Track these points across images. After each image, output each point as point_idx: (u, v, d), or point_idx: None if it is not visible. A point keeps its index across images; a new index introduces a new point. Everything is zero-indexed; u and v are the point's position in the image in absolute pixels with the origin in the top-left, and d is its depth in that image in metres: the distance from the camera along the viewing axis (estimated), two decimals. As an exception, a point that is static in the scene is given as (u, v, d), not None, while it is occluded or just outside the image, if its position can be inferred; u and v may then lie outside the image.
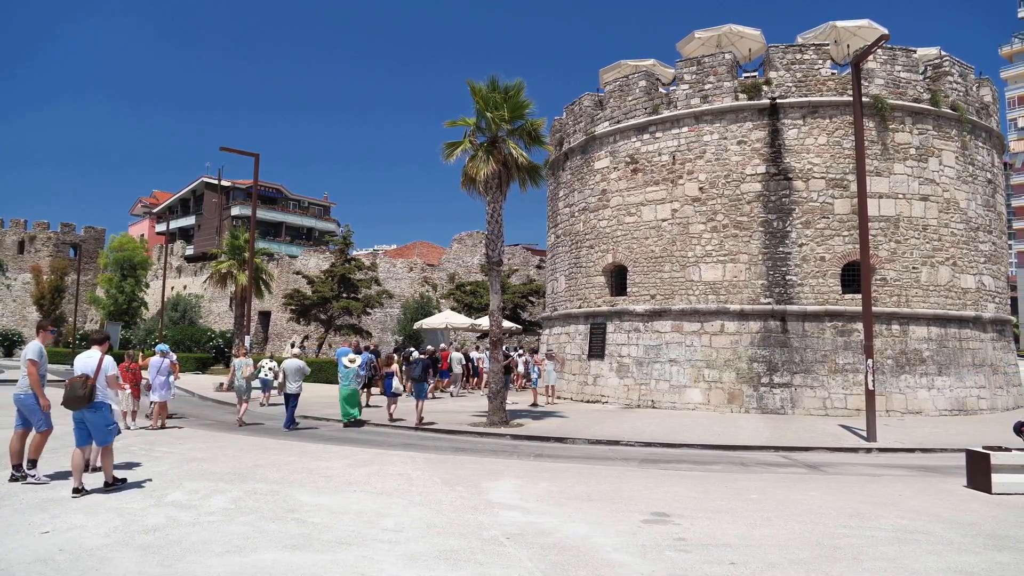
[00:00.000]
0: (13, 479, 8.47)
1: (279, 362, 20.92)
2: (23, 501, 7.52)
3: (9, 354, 58.22)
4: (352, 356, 16.36)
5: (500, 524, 6.92)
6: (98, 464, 8.97)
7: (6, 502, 7.47)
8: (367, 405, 19.07)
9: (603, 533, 6.65)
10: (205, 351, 41.96)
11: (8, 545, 5.94)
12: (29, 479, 8.40)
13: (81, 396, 7.89)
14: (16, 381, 8.68)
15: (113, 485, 8.19)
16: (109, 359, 8.35)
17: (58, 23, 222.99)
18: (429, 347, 24.74)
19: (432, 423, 15.72)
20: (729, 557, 5.92)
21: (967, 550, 6.29)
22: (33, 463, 8.54)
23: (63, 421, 9.28)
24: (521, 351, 28.17)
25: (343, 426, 15.70)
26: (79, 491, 7.77)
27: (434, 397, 21.83)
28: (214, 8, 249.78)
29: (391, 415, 16.53)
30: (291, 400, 15.40)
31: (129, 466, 9.66)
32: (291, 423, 15.23)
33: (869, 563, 5.83)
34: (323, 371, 28.04)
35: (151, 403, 15.02)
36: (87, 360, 8.24)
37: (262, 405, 19.95)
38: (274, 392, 20.75)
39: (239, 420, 15.76)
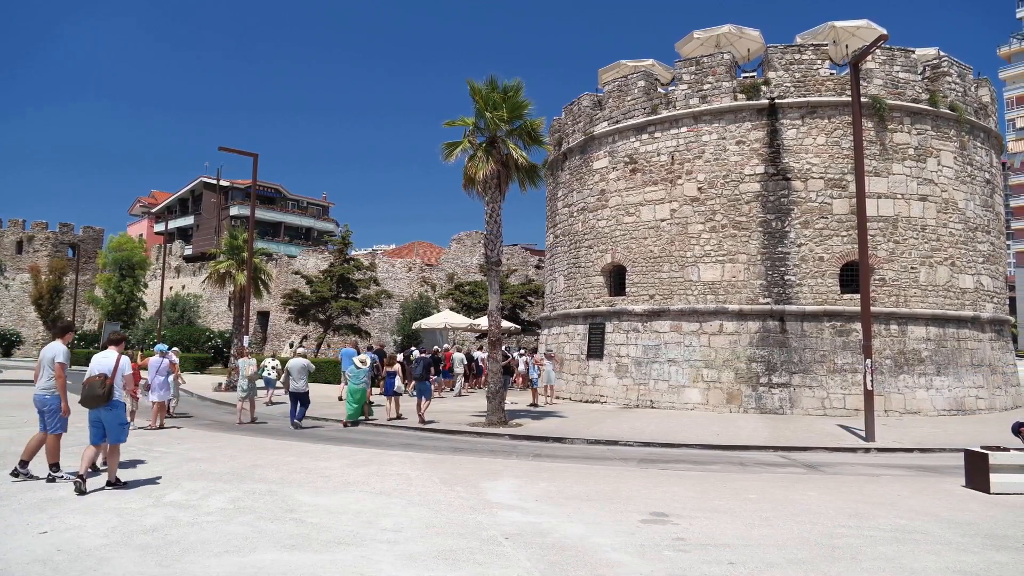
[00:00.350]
0: (15, 474, 8.51)
1: (282, 362, 20.95)
2: (22, 501, 7.51)
3: (8, 354, 58.16)
4: (363, 357, 16.66)
5: (499, 524, 6.92)
6: (99, 464, 8.98)
7: (5, 502, 7.45)
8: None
9: (602, 533, 6.65)
10: (204, 351, 41.99)
11: (7, 545, 5.93)
12: (58, 480, 8.48)
13: (100, 395, 8.00)
14: (15, 381, 8.70)
15: (117, 484, 8.24)
16: (125, 359, 8.45)
17: (58, 23, 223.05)
18: (435, 347, 24.78)
19: (432, 423, 15.74)
20: (728, 557, 5.92)
21: (965, 550, 6.29)
22: (56, 466, 8.64)
23: (69, 420, 9.26)
24: (522, 351, 28.16)
25: (343, 426, 15.73)
26: (81, 480, 7.79)
27: (436, 397, 21.83)
28: (214, 8, 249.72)
29: (394, 415, 16.55)
30: (298, 399, 15.57)
31: (129, 465, 9.67)
32: (299, 420, 15.44)
33: (868, 563, 5.83)
34: (322, 371, 28.07)
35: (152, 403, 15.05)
36: (104, 360, 8.31)
37: (266, 404, 19.94)
38: (276, 391, 20.78)
39: (248, 419, 15.86)
